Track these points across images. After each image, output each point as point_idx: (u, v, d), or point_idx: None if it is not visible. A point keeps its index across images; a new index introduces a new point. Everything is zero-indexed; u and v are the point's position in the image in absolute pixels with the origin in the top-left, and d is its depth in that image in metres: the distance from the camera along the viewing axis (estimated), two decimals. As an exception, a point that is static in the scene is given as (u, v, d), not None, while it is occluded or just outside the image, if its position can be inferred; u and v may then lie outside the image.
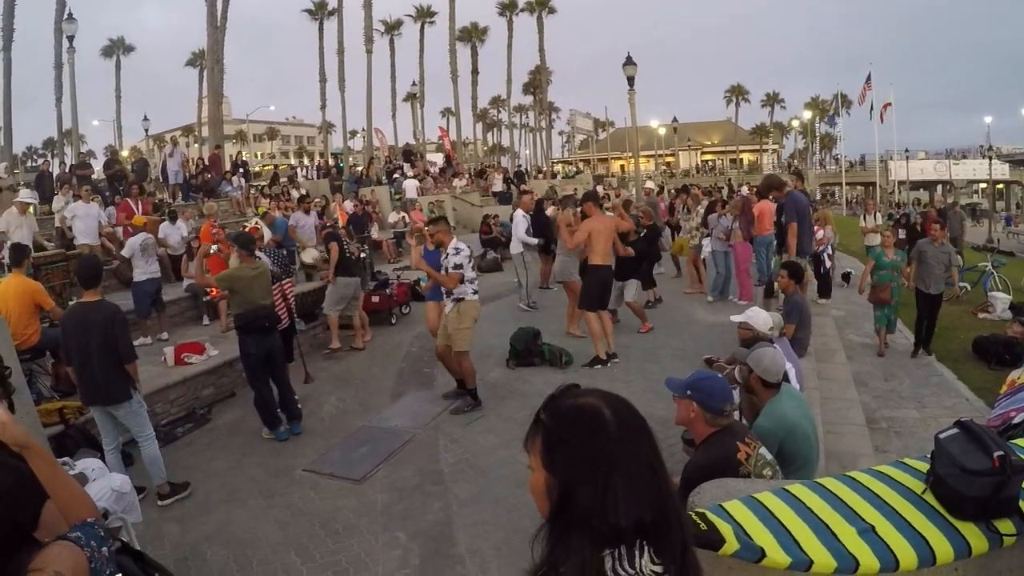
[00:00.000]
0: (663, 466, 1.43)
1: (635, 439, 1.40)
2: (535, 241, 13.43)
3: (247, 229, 9.33)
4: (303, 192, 22.11)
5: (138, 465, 6.44)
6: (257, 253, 8.50)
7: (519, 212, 13.93)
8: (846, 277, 17.53)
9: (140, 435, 6.15)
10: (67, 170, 19.82)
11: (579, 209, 10.57)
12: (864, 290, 11.65)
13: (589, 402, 1.44)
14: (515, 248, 13.56)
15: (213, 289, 8.86)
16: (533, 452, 1.46)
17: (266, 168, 56.00)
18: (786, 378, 4.79)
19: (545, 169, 55.72)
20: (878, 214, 17.57)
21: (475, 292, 8.11)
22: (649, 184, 23.54)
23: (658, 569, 1.33)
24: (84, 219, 12.64)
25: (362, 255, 13.72)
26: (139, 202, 15.20)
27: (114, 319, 5.91)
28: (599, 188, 23.75)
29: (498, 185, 30.61)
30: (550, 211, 16.59)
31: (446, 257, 7.93)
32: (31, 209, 12.56)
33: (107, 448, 6.18)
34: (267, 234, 12.23)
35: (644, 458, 1.39)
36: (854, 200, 55.62)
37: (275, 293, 8.32)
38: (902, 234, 19.37)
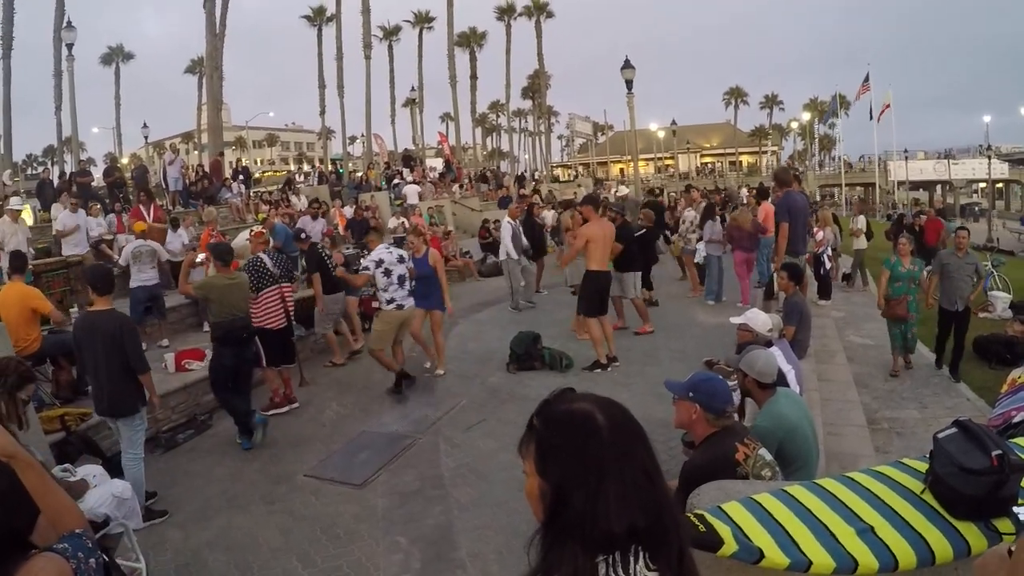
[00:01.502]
0: (659, 472, 1.42)
1: (628, 444, 1.39)
2: (515, 255, 13.45)
3: (253, 233, 9.33)
4: (314, 198, 22.16)
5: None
6: (260, 255, 8.52)
7: (505, 219, 14.02)
8: (847, 278, 17.55)
9: (129, 452, 6.01)
10: (67, 179, 19.72)
11: (578, 211, 10.60)
12: (882, 305, 10.37)
13: (582, 407, 1.43)
14: (502, 255, 13.72)
15: None
16: (527, 457, 1.46)
17: (266, 174, 56.10)
18: (785, 382, 4.80)
19: (544, 173, 55.82)
20: (862, 217, 17.54)
21: (389, 302, 8.58)
22: (624, 190, 23.61)
23: (653, 574, 1.33)
24: (72, 230, 12.71)
25: (361, 260, 13.73)
26: (151, 208, 15.22)
27: (123, 328, 5.82)
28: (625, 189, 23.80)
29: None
30: (549, 215, 16.62)
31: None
32: (24, 216, 12.59)
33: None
34: (246, 241, 12.25)
35: (638, 463, 1.38)
36: (855, 199, 55.62)
37: (273, 294, 8.35)
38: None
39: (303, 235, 11.95)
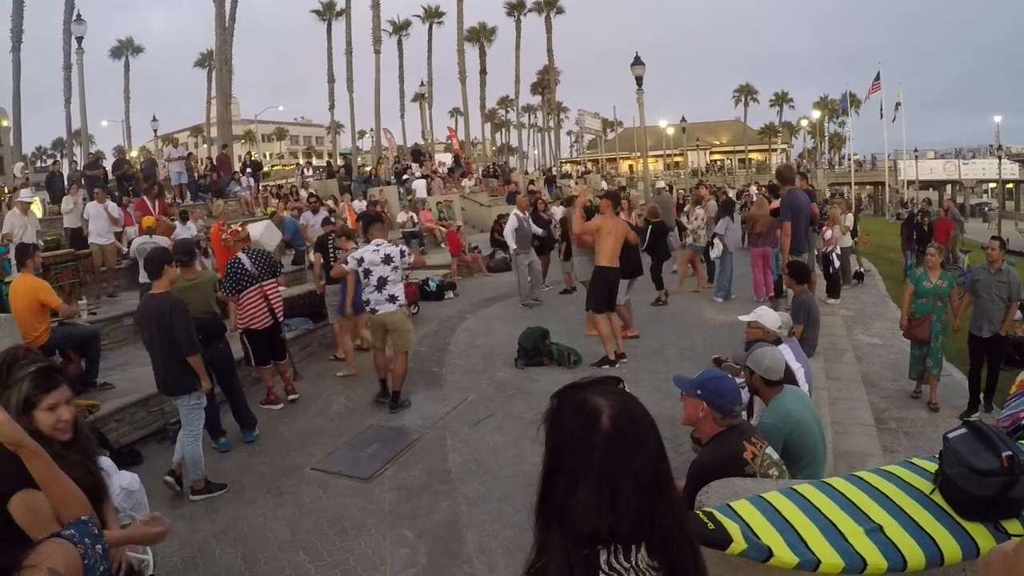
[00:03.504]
0: (661, 484, 1.41)
1: (626, 453, 1.39)
2: (513, 244, 13.43)
3: (229, 232, 9.35)
4: (311, 192, 22.19)
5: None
6: (239, 255, 8.48)
7: (513, 211, 14.01)
8: (859, 276, 17.62)
9: (186, 430, 6.24)
10: (81, 178, 19.65)
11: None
12: (904, 324, 9.19)
13: (595, 402, 1.44)
14: (510, 247, 13.82)
15: None
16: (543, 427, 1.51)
17: (275, 168, 56.17)
18: (794, 380, 4.79)
19: (555, 170, 55.78)
20: (850, 215, 17.70)
21: (365, 303, 8.31)
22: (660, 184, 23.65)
23: (655, 563, 1.34)
24: (96, 219, 12.74)
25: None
26: (156, 201, 15.24)
27: (172, 311, 6.03)
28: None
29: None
30: (558, 211, 16.60)
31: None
32: (34, 208, 12.62)
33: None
34: (276, 234, 12.26)
35: (630, 475, 1.38)
36: (865, 198, 55.51)
37: (254, 294, 8.26)
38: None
39: (332, 220, 12.10)
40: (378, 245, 8.26)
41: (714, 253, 13.62)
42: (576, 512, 1.34)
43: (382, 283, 8.09)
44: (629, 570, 1.33)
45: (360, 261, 8.11)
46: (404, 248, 8.62)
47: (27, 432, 2.61)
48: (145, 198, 15.24)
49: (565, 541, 1.35)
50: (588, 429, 1.40)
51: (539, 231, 13.66)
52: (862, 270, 18.81)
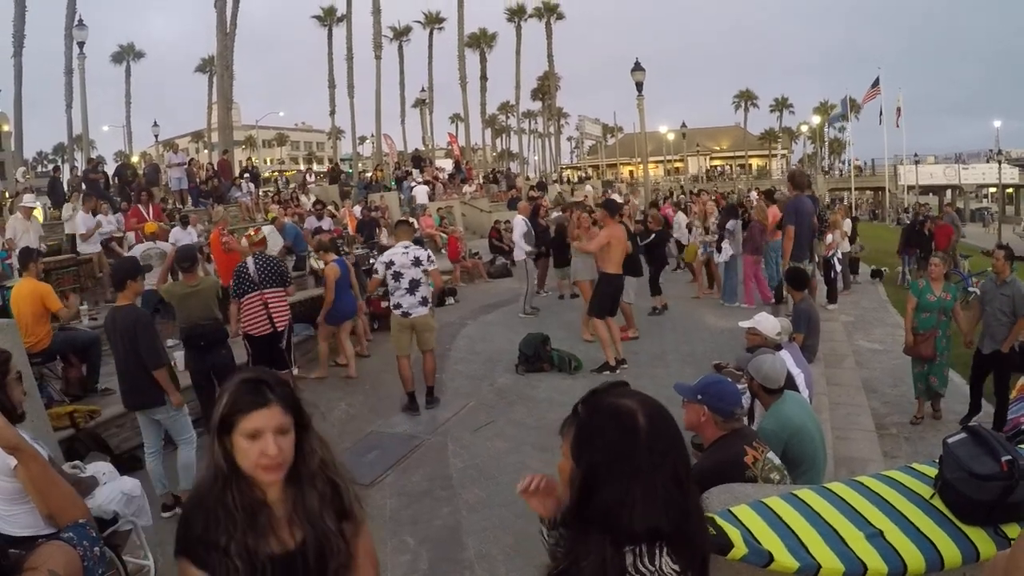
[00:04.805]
0: (690, 478, 1.46)
1: (664, 449, 1.44)
2: (529, 248, 13.41)
3: (245, 235, 9.38)
4: (316, 199, 22.22)
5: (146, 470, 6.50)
6: (247, 260, 8.42)
7: (518, 218, 13.98)
8: (876, 274, 17.84)
9: (178, 438, 6.21)
10: (81, 184, 19.61)
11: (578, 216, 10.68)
12: (910, 340, 8.49)
13: (627, 405, 1.48)
14: (518, 255, 13.77)
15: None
16: (566, 439, 1.53)
17: (275, 174, 56.24)
18: (794, 385, 4.80)
19: (555, 176, 55.78)
20: (848, 220, 17.88)
21: (396, 307, 8.21)
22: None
23: (676, 567, 1.36)
24: (84, 229, 12.78)
25: (371, 261, 13.74)
26: (149, 208, 15.23)
27: (136, 324, 5.87)
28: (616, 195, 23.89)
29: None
30: (556, 215, 16.60)
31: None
32: (36, 213, 12.65)
33: (148, 451, 6.24)
34: (278, 240, 12.26)
35: (670, 469, 1.42)
36: (864, 204, 55.50)
37: (254, 300, 8.21)
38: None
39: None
40: (406, 248, 8.16)
41: (721, 258, 13.60)
42: (632, 514, 1.36)
43: (415, 285, 8.04)
44: (654, 573, 1.35)
45: (389, 264, 8.04)
46: (430, 252, 8.56)
47: (230, 466, 1.92)
48: (139, 206, 15.23)
49: (605, 543, 1.37)
50: (628, 433, 1.43)
51: (526, 248, 13.55)
52: (883, 269, 19.01)
